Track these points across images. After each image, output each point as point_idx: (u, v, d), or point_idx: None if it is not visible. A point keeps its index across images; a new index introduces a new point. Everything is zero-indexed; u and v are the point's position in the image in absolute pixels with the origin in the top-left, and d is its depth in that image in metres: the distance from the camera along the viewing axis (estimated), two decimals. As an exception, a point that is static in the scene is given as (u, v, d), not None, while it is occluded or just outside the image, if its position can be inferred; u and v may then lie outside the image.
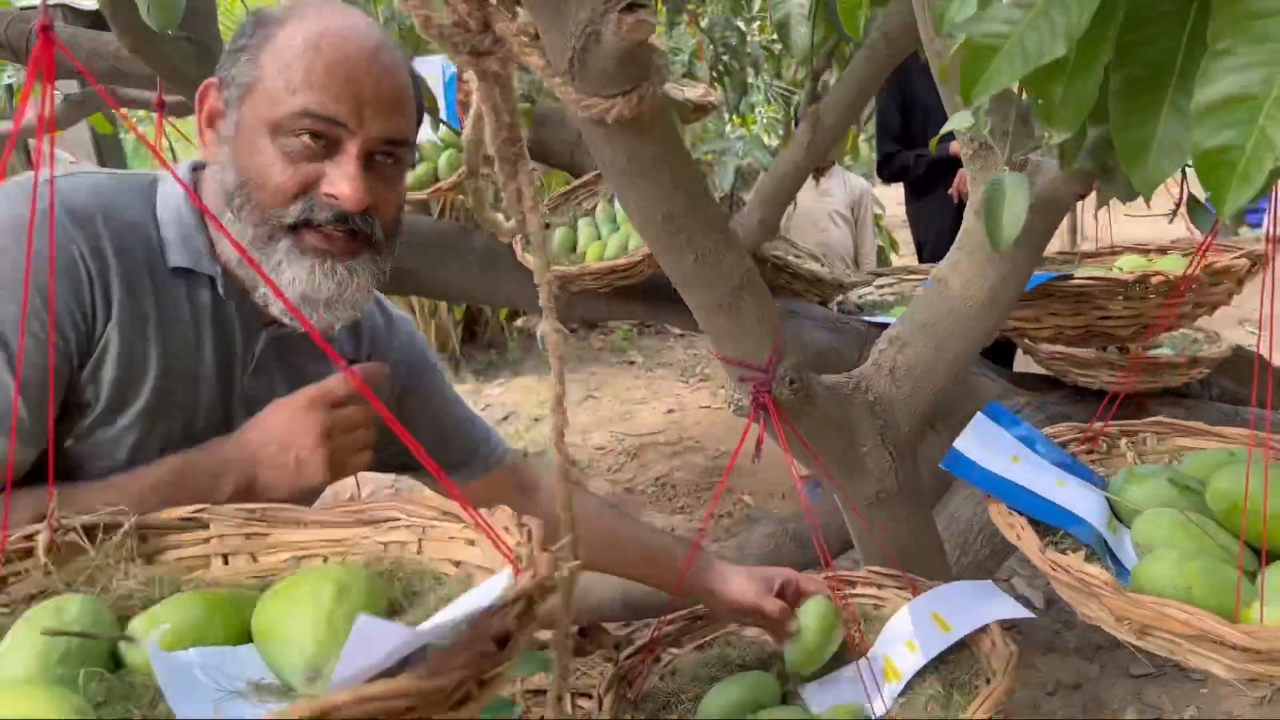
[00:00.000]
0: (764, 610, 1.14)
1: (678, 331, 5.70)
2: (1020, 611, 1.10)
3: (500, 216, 0.94)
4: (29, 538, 0.71)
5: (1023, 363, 2.73)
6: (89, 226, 0.89)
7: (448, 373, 1.42)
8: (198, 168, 0.99)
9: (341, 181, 0.90)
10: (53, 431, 0.86)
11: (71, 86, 3.56)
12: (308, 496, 1.01)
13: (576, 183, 2.25)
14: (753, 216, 1.85)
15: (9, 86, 3.57)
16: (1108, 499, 1.09)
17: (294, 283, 0.91)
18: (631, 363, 5.46)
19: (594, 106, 0.77)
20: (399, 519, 0.73)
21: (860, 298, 2.49)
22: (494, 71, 0.80)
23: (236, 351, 0.99)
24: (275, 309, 0.96)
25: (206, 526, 0.77)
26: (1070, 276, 1.47)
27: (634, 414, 4.55)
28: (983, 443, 1.11)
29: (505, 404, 4.80)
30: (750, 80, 4.95)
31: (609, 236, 2.02)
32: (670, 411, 4.56)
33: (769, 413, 1.01)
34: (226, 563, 0.76)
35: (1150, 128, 0.64)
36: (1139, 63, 0.64)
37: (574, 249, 2.05)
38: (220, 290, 0.96)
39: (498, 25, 0.77)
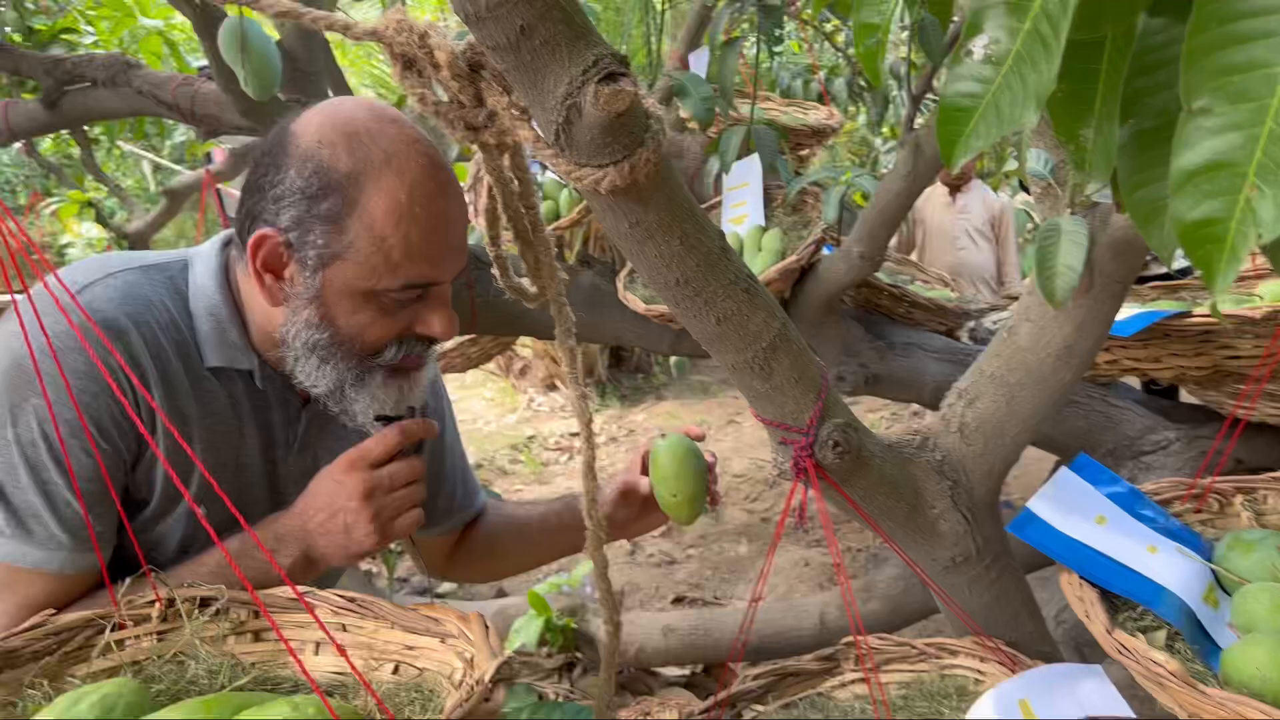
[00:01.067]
0: (631, 482, 1.16)
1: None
2: (1121, 708, 0.99)
3: (526, 283, 0.94)
4: (145, 605, 0.77)
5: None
6: (123, 338, 0.91)
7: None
8: (228, 243, 1.02)
9: (437, 324, 0.96)
10: (128, 523, 0.89)
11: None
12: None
13: (683, 217, 2.23)
14: (852, 250, 1.78)
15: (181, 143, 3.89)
16: (1210, 568, 0.98)
17: (384, 404, 0.97)
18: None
19: (585, 177, 0.75)
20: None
21: (995, 323, 2.36)
22: (492, 144, 0.80)
23: (277, 433, 1.02)
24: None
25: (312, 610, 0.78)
26: (1187, 314, 1.33)
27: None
28: (1064, 502, 1.02)
29: (648, 428, 4.82)
30: (893, 94, 4.81)
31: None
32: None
33: (812, 477, 0.95)
34: (317, 652, 0.78)
35: (1162, 185, 0.56)
36: (1148, 112, 0.56)
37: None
38: (258, 381, 0.99)
39: (489, 100, 0.77)
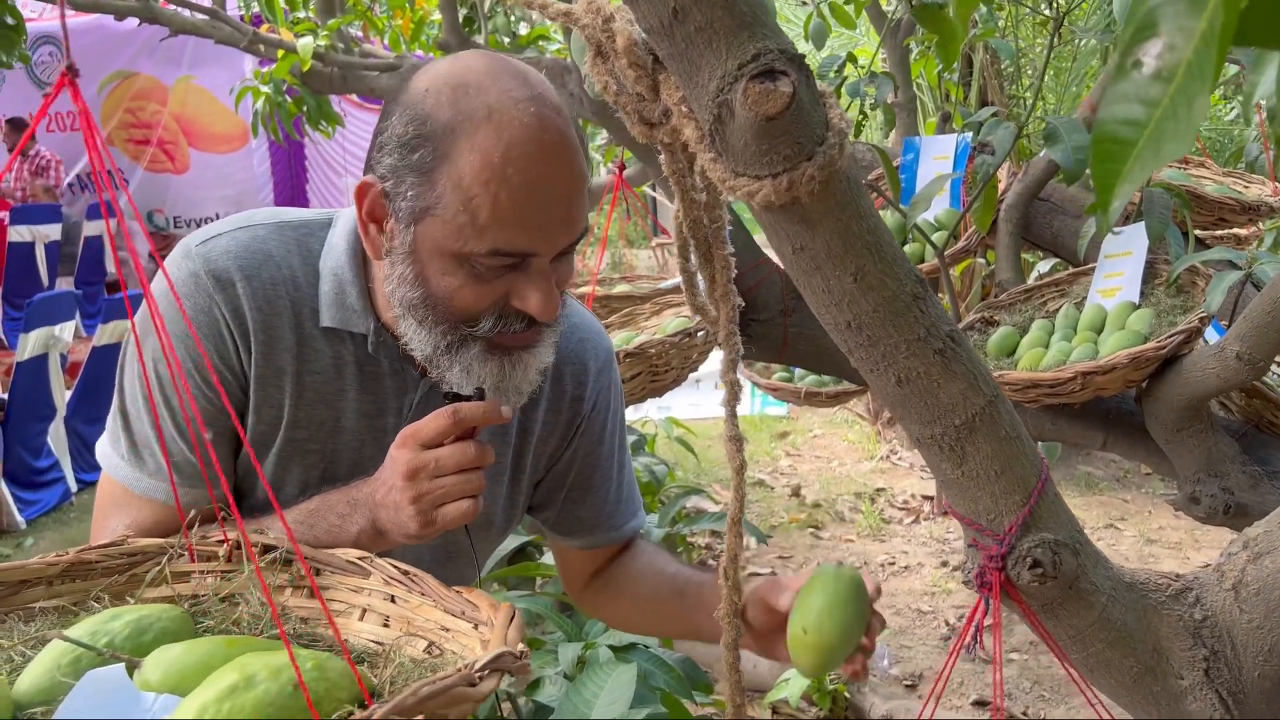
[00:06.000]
0: (772, 592, 0.96)
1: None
2: None
3: (710, 303, 0.86)
4: (214, 543, 0.83)
5: None
6: (229, 290, 0.92)
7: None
8: None
9: (535, 301, 0.88)
10: (215, 466, 0.91)
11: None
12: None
13: (1044, 279, 1.98)
14: (1229, 349, 1.46)
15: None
16: None
17: (485, 380, 0.91)
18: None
19: (739, 188, 0.66)
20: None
21: None
22: (669, 144, 0.74)
23: (388, 400, 1.00)
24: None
25: (367, 575, 0.81)
26: None
27: (1162, 558, 3.85)
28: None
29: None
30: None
31: (1056, 345, 1.74)
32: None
33: (1000, 594, 0.78)
34: (362, 617, 0.79)
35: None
36: None
37: (1012, 353, 1.80)
38: (369, 346, 0.97)
39: (664, 94, 0.71)
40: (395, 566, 0.78)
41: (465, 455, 0.86)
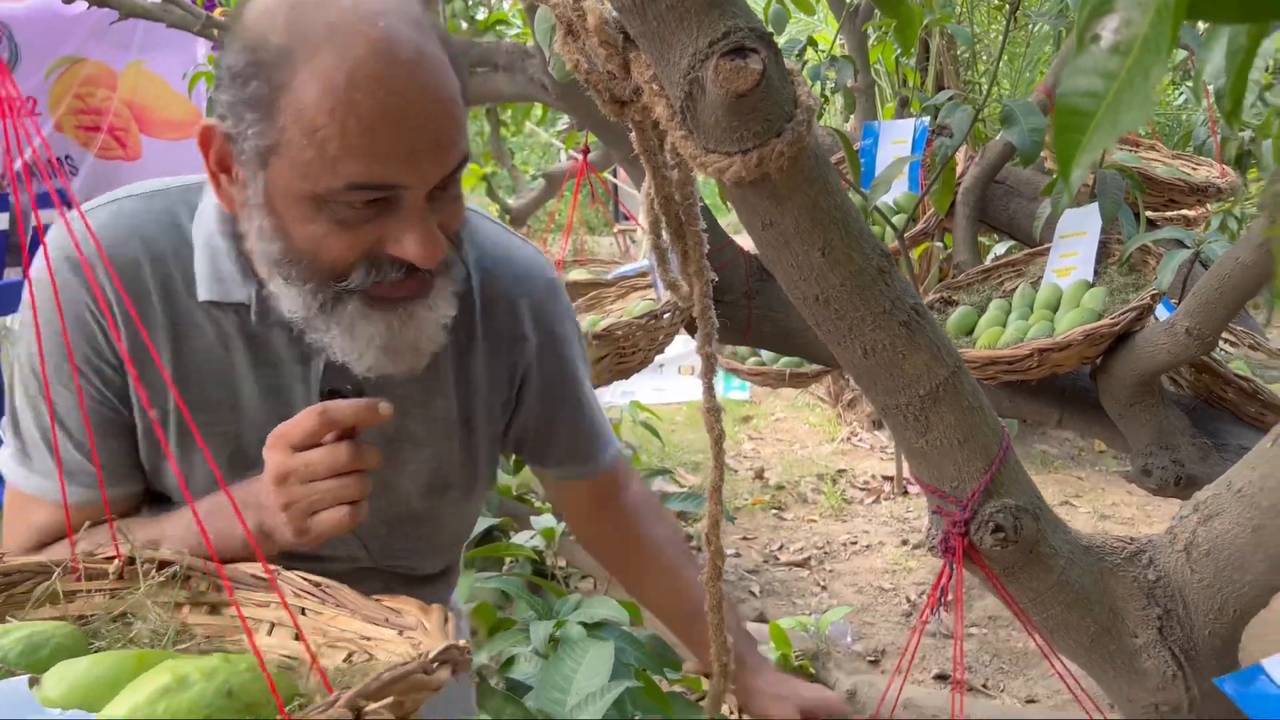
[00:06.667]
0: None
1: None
2: None
3: (682, 279, 0.88)
4: (103, 560, 0.77)
5: None
6: (90, 272, 0.85)
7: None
8: None
9: (410, 243, 0.79)
10: (101, 469, 0.87)
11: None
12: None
13: (1000, 260, 2.02)
14: (1179, 325, 1.50)
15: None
16: None
17: (372, 340, 0.82)
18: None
19: (710, 164, 0.68)
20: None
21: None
22: (638, 121, 0.76)
23: (289, 372, 0.91)
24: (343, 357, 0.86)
25: (272, 590, 0.76)
26: None
27: (1115, 533, 3.95)
28: (1322, 678, 0.78)
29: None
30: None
31: (1013, 324, 1.78)
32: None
33: (965, 560, 0.80)
34: (270, 632, 0.76)
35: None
36: None
37: (970, 332, 1.84)
38: (255, 317, 0.87)
39: (635, 72, 0.72)
40: (305, 579, 0.75)
41: (336, 459, 0.78)
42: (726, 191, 0.72)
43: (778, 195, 0.69)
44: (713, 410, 0.84)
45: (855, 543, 3.82)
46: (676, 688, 1.86)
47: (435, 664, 0.57)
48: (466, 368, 1.00)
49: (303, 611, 0.74)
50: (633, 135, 0.77)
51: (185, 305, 0.88)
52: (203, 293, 0.88)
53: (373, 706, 0.53)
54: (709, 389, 0.84)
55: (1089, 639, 0.84)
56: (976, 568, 0.81)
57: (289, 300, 0.82)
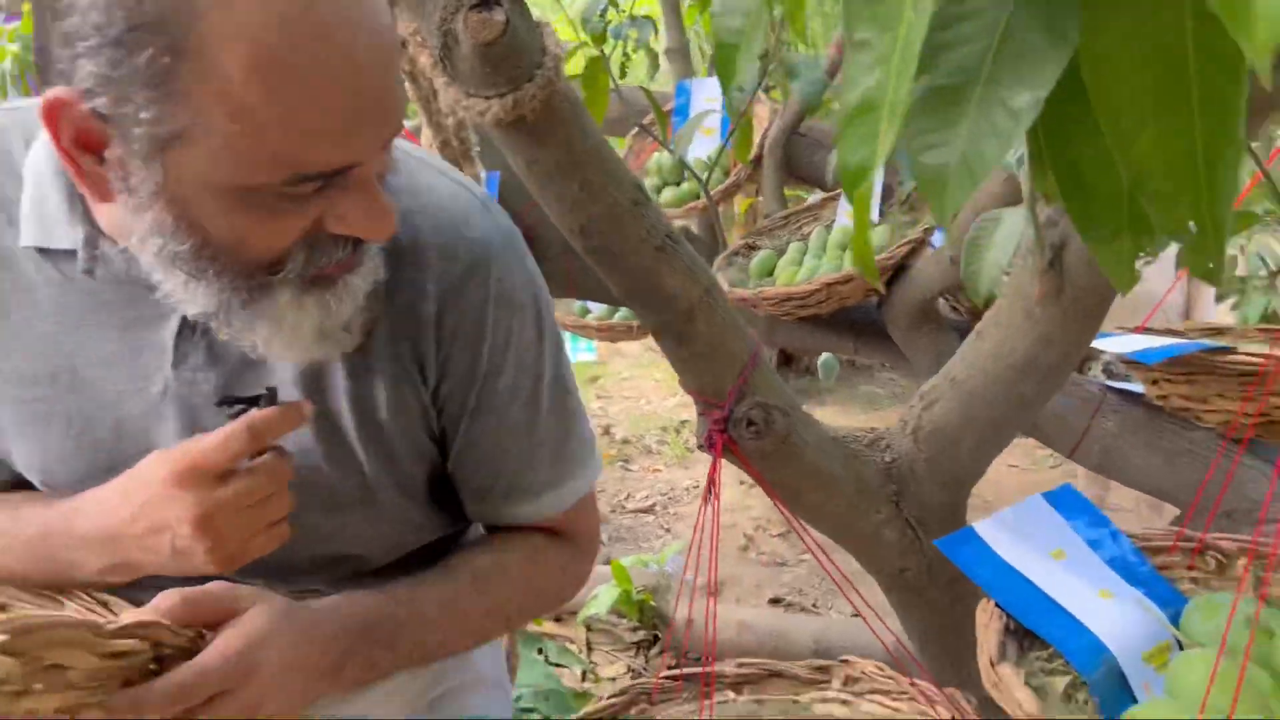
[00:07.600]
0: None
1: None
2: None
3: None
4: None
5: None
6: None
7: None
8: None
9: (360, 219, 0.65)
10: None
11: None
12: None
13: (800, 207, 2.18)
14: (945, 254, 1.68)
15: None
16: (1168, 629, 0.87)
17: (302, 328, 0.68)
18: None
19: (472, 108, 0.76)
20: None
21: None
22: (409, 71, 0.83)
23: (137, 336, 0.73)
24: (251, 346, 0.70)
25: (62, 606, 0.70)
26: (1231, 350, 1.18)
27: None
28: (1022, 530, 0.93)
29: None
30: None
31: (807, 263, 1.93)
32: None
33: (726, 452, 0.92)
34: None
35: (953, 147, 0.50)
36: (946, 69, 0.51)
37: (770, 273, 1.99)
38: (83, 266, 0.70)
39: (400, 26, 0.79)
40: (93, 596, 0.70)
41: (274, 478, 0.69)
42: (492, 134, 0.80)
43: (537, 134, 0.77)
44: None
45: (697, 486, 4.00)
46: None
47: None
48: (361, 351, 0.77)
49: None
50: (406, 85, 0.84)
51: (8, 250, 0.72)
52: (27, 236, 0.71)
53: None
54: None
55: (841, 518, 0.98)
56: (737, 459, 0.93)
57: (191, 294, 0.66)
